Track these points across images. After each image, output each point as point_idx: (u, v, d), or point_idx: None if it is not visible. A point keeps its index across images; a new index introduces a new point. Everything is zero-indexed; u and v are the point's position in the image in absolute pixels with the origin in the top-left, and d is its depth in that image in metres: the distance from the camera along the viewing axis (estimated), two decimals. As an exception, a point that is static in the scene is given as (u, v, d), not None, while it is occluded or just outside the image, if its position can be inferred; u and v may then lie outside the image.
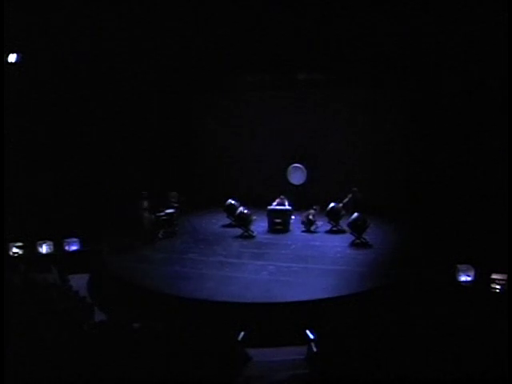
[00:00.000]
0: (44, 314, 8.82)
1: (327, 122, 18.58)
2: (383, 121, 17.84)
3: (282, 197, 15.84)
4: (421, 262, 12.39)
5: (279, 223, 15.37)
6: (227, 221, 16.21)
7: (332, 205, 15.35)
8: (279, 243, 14.37)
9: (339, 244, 14.19)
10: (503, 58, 12.33)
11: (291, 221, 15.77)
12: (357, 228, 14.16)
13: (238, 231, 15.22)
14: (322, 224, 15.53)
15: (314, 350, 8.29)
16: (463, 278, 11.27)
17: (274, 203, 15.75)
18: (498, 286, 10.59)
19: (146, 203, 14.80)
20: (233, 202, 16.12)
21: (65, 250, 14.16)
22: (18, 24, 13.17)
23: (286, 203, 15.76)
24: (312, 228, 15.33)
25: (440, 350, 6.84)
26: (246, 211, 15.19)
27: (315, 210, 15.42)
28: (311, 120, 18.70)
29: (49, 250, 14.04)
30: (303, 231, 15.37)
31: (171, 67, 16.77)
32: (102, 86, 16.10)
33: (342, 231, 15.04)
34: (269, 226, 15.50)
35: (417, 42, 14.64)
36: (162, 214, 15.15)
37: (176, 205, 15.90)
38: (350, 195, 15.76)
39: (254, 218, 15.25)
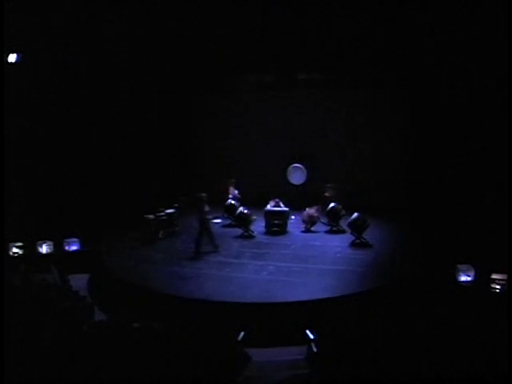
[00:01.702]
0: (44, 314, 8.82)
1: (327, 122, 18.57)
2: (383, 121, 17.85)
3: (276, 200, 15.80)
4: (421, 262, 12.39)
5: (277, 225, 15.35)
6: (227, 221, 16.21)
7: (332, 205, 15.35)
8: (279, 243, 14.36)
9: (339, 244, 14.18)
10: (503, 58, 12.32)
11: (290, 221, 15.79)
12: (357, 228, 14.16)
13: (238, 231, 15.22)
14: (323, 220, 15.54)
15: (314, 350, 8.30)
16: (463, 278, 11.26)
17: (269, 205, 15.73)
18: (498, 286, 10.58)
19: (207, 207, 14.09)
20: (233, 202, 16.12)
21: (65, 249, 14.15)
22: (18, 24, 13.16)
23: (282, 205, 15.74)
24: (313, 228, 15.32)
25: (440, 350, 6.84)
26: (245, 211, 15.18)
27: (317, 209, 15.40)
28: (311, 120, 18.70)
29: (49, 250, 14.03)
30: (302, 231, 15.36)
31: (171, 67, 16.76)
32: (102, 86, 16.09)
33: (342, 231, 15.04)
34: (266, 228, 15.48)
35: (417, 42, 14.64)
36: (162, 214, 15.14)
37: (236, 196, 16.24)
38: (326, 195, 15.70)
39: (254, 218, 15.25)
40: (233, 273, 12.20)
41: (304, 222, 15.45)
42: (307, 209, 15.48)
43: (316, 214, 15.42)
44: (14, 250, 13.64)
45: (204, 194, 14.08)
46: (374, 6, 13.89)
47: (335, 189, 16.05)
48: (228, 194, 16.65)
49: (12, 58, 14.08)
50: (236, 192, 16.77)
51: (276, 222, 15.39)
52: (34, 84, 14.84)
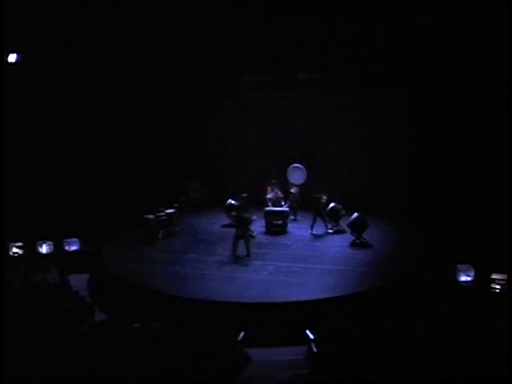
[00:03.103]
0: (44, 313, 8.82)
1: (327, 122, 18.58)
2: (383, 121, 17.85)
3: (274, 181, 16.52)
4: (421, 262, 12.39)
5: (278, 224, 15.35)
6: (227, 221, 16.20)
7: (332, 205, 15.35)
8: (279, 243, 14.37)
9: (339, 244, 14.19)
10: (503, 57, 12.33)
11: (290, 221, 15.84)
12: (357, 228, 14.16)
13: (238, 231, 15.20)
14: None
15: (314, 349, 8.30)
16: (463, 278, 11.26)
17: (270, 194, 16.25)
18: (498, 286, 10.57)
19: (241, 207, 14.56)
20: (233, 202, 16.12)
21: (65, 249, 14.13)
22: (18, 24, 13.15)
23: (279, 193, 16.29)
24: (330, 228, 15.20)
25: (440, 350, 6.84)
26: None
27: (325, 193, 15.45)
28: (311, 120, 18.71)
29: (49, 250, 14.01)
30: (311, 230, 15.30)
31: (171, 67, 16.76)
32: (102, 86, 16.08)
33: (342, 231, 15.04)
34: (266, 228, 15.48)
35: (417, 42, 14.64)
36: (162, 214, 15.13)
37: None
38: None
39: (254, 218, 15.23)
40: (233, 273, 12.20)
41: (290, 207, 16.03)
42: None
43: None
44: (14, 249, 13.62)
45: (244, 195, 14.14)
46: (374, 6, 13.89)
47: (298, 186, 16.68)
48: (265, 194, 16.69)
49: (12, 57, 14.06)
50: (279, 192, 16.78)
51: (276, 222, 15.40)
52: (34, 84, 14.82)
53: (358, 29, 14.69)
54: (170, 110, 18.78)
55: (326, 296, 10.69)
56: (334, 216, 15.33)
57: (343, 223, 15.01)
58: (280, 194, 16.63)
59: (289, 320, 10.23)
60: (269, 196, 16.57)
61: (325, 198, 15.36)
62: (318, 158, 18.35)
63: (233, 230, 15.38)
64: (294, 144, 18.69)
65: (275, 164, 18.63)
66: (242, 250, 13.71)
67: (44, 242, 13.98)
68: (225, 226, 16.20)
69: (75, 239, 14.25)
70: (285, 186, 17.53)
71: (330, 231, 15.18)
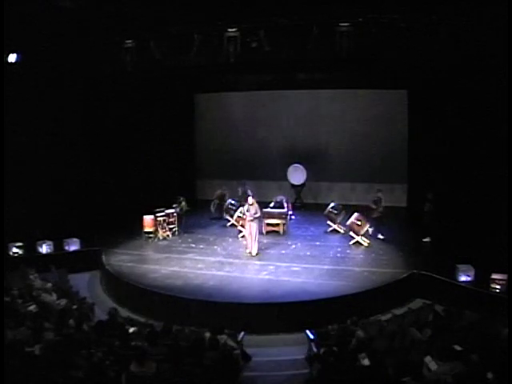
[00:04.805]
0: (44, 314, 8.82)
1: (328, 121, 18.61)
2: (384, 120, 17.87)
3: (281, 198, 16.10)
4: (421, 262, 12.39)
5: (276, 225, 15.31)
6: (227, 221, 16.20)
7: (332, 205, 15.37)
8: (279, 243, 14.37)
9: (339, 244, 14.20)
10: (504, 56, 12.31)
11: (290, 221, 15.81)
12: (356, 227, 14.13)
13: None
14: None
15: (314, 349, 8.30)
16: (463, 278, 11.25)
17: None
18: (497, 286, 10.56)
19: None
20: (233, 201, 16.11)
21: (65, 249, 14.13)
22: (18, 24, 13.13)
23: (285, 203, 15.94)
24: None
25: (440, 350, 6.84)
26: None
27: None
28: (312, 119, 18.74)
29: (49, 250, 14.01)
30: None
31: (171, 67, 16.74)
32: (102, 86, 16.06)
33: (342, 231, 15.05)
34: (264, 229, 15.41)
35: (416, 41, 14.61)
36: (162, 214, 15.13)
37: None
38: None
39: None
40: (233, 273, 12.20)
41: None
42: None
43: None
44: (14, 249, 13.62)
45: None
46: (373, 6, 13.88)
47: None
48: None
49: (12, 58, 14.03)
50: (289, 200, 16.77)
51: (274, 222, 15.36)
52: (34, 84, 14.80)
53: (358, 29, 14.66)
54: (171, 110, 18.76)
55: (326, 296, 10.69)
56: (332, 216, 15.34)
57: (343, 223, 15.03)
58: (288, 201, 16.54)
59: (289, 320, 10.24)
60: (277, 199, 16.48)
61: (383, 198, 14.86)
62: (319, 158, 18.42)
63: (233, 230, 15.48)
64: (294, 143, 18.78)
65: (275, 164, 18.68)
66: (241, 250, 13.74)
67: (44, 242, 13.97)
68: (225, 226, 16.20)
69: (75, 239, 14.24)
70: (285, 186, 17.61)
71: (381, 237, 14.52)
